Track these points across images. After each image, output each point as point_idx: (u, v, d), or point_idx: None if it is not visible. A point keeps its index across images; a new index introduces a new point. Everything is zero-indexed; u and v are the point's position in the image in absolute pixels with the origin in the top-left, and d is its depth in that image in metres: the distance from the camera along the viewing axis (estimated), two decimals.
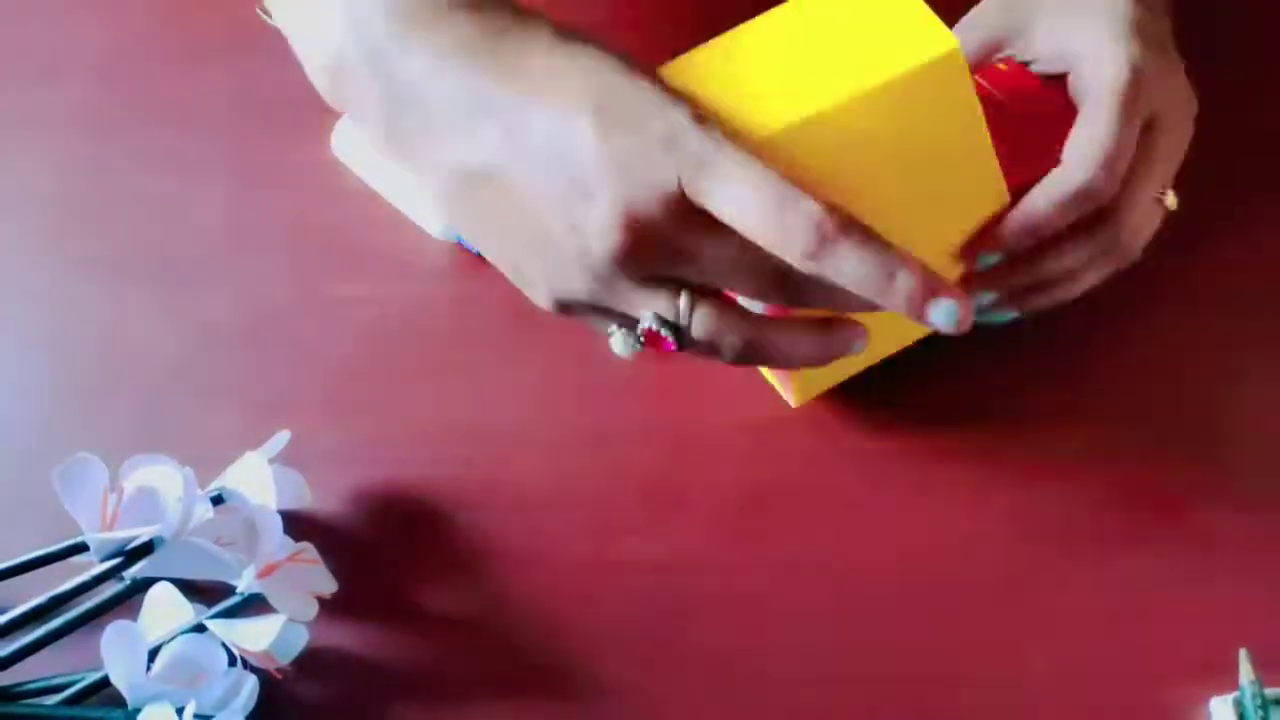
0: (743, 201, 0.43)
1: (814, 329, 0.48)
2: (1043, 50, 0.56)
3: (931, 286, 0.44)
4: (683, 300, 0.46)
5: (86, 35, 0.70)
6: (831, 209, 0.43)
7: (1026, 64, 0.58)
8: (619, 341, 0.48)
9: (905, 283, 0.43)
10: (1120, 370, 0.59)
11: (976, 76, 0.57)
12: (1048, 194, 0.52)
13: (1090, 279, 0.55)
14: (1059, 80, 0.56)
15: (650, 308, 0.46)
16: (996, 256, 0.53)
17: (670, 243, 0.44)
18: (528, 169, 0.45)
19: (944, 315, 0.44)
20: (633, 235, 0.44)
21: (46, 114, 0.67)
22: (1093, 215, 0.53)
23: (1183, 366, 0.59)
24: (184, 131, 0.66)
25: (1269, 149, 0.65)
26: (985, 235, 0.53)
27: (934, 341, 0.56)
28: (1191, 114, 0.56)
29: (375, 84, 0.47)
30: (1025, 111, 0.56)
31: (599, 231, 0.44)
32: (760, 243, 0.43)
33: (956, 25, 0.59)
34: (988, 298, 0.54)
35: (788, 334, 0.48)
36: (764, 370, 0.59)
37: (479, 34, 0.46)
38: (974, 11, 0.58)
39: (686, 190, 0.43)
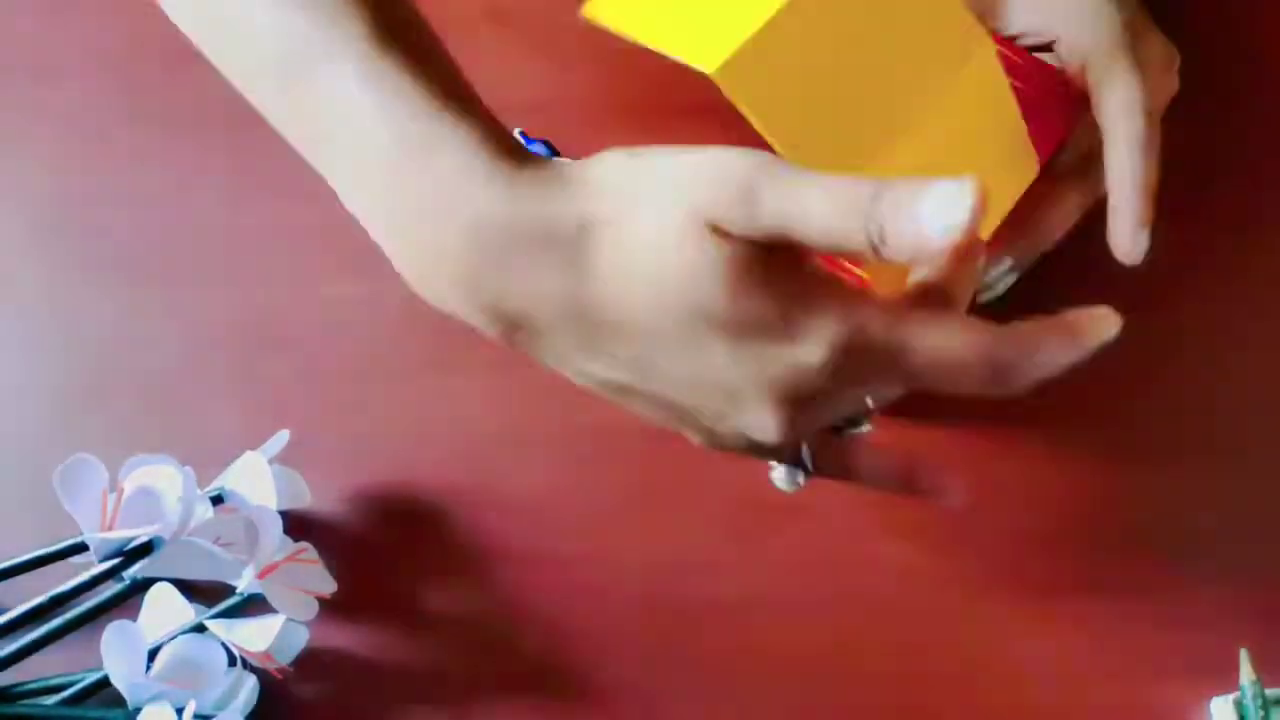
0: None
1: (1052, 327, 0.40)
2: (1027, 23, 0.57)
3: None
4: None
5: (86, 35, 0.69)
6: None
7: (1011, 39, 0.58)
8: (782, 478, 0.48)
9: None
10: (1120, 371, 0.59)
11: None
12: (1133, 155, 0.52)
13: (1066, 224, 0.56)
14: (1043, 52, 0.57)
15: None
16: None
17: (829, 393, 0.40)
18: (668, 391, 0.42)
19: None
20: (789, 411, 0.40)
21: (46, 114, 0.67)
22: (1084, 163, 0.54)
23: (1184, 368, 0.59)
24: (184, 131, 0.66)
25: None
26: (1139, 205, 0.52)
27: None
28: (1174, 66, 0.57)
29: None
30: (1034, 91, 0.57)
31: (760, 430, 0.41)
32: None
33: None
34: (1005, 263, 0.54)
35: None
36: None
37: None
38: None
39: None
